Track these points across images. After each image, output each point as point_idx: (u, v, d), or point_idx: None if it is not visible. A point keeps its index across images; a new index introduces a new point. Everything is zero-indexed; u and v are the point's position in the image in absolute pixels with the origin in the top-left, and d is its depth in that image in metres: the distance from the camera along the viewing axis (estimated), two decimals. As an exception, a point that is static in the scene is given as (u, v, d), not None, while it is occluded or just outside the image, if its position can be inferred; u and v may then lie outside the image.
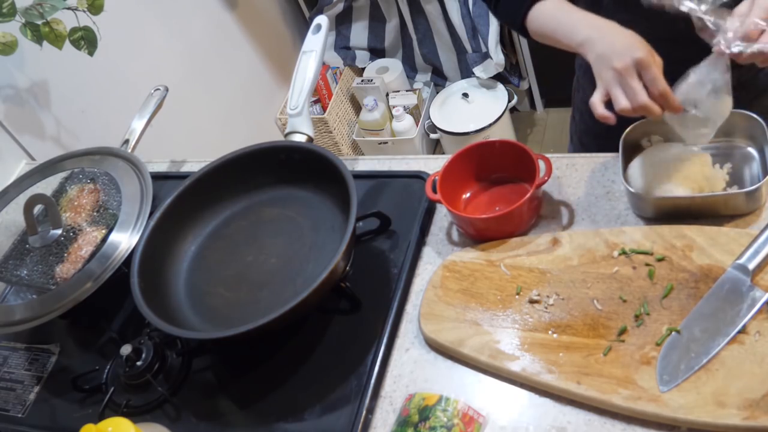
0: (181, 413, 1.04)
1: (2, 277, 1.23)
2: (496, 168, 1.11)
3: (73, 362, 1.18)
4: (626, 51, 0.89)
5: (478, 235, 1.06)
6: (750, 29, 0.84)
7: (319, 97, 2.67)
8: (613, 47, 0.90)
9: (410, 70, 2.74)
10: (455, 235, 1.11)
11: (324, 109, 2.64)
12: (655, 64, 0.89)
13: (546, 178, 1.03)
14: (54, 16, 1.38)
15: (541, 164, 1.04)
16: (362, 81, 2.62)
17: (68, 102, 1.72)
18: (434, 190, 1.07)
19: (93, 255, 1.15)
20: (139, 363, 1.06)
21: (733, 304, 0.86)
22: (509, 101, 2.50)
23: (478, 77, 2.51)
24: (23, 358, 1.21)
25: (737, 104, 0.96)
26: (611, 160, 1.11)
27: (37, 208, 1.24)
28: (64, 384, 1.12)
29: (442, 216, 1.14)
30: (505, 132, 2.50)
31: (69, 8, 1.40)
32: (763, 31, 0.85)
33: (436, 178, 1.08)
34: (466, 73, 2.59)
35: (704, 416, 0.79)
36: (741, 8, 0.87)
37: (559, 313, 0.94)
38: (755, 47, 0.85)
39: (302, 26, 2.74)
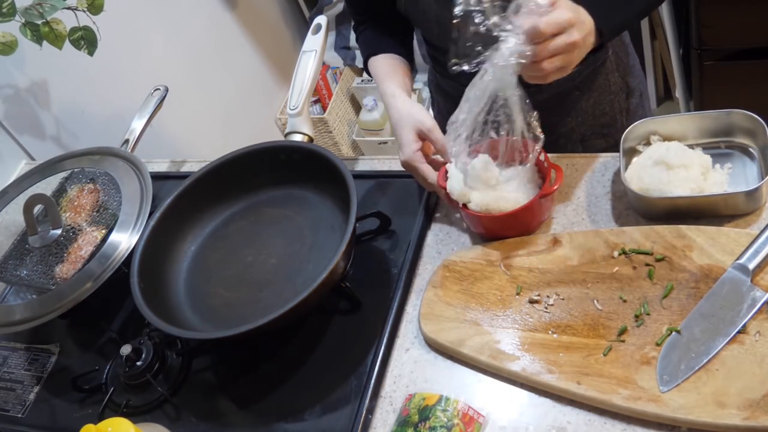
0: (181, 413, 1.03)
1: (2, 277, 1.23)
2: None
3: (73, 362, 1.18)
4: (400, 149, 1.07)
5: (487, 233, 1.06)
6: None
7: (319, 97, 2.67)
8: (396, 137, 1.09)
9: (410, 70, 2.74)
10: (455, 235, 1.11)
11: (324, 109, 2.64)
12: (421, 163, 1.05)
13: (555, 187, 1.01)
14: (54, 16, 1.38)
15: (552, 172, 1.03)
16: (362, 81, 2.62)
17: (68, 102, 1.72)
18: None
19: (93, 255, 1.15)
20: (139, 363, 1.06)
21: (733, 304, 0.86)
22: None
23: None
24: (23, 358, 1.21)
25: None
26: (611, 160, 1.11)
27: (37, 208, 1.25)
28: (64, 384, 1.12)
29: (442, 216, 1.14)
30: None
31: (69, 8, 1.40)
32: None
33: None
34: (465, 73, 2.59)
35: (704, 416, 0.79)
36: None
37: (559, 313, 0.94)
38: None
39: (302, 26, 2.74)
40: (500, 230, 1.05)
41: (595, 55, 1.16)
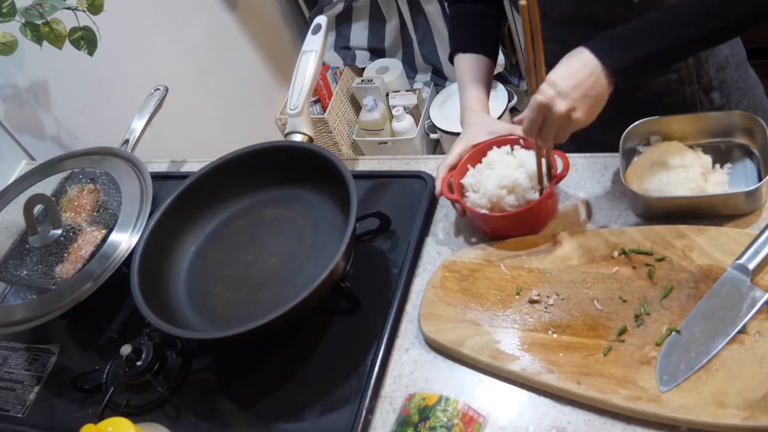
0: (181, 413, 1.04)
1: (2, 277, 1.23)
2: None
3: (73, 362, 1.17)
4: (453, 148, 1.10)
5: (495, 233, 1.06)
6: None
7: (319, 97, 2.67)
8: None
9: (410, 70, 2.74)
10: (455, 235, 1.11)
11: (324, 109, 2.64)
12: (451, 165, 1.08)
13: (565, 172, 1.02)
14: (54, 16, 1.38)
15: (558, 161, 1.03)
16: (362, 81, 2.62)
17: (68, 102, 1.72)
18: (450, 190, 1.07)
19: (93, 255, 1.15)
20: (139, 363, 1.06)
21: (733, 304, 0.86)
22: (509, 101, 2.50)
23: (478, 77, 2.51)
24: (23, 358, 1.21)
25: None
26: (611, 160, 1.11)
27: (37, 208, 1.25)
28: (64, 384, 1.12)
29: (442, 216, 1.14)
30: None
31: (69, 8, 1.40)
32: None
33: (451, 178, 1.07)
34: (466, 73, 2.59)
35: (704, 416, 0.79)
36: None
37: (559, 313, 0.94)
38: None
39: (302, 26, 2.74)
40: (508, 229, 1.04)
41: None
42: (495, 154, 1.07)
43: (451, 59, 1.23)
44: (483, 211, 1.03)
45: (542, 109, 0.90)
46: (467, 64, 1.19)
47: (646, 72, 0.94)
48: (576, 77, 0.90)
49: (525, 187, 1.02)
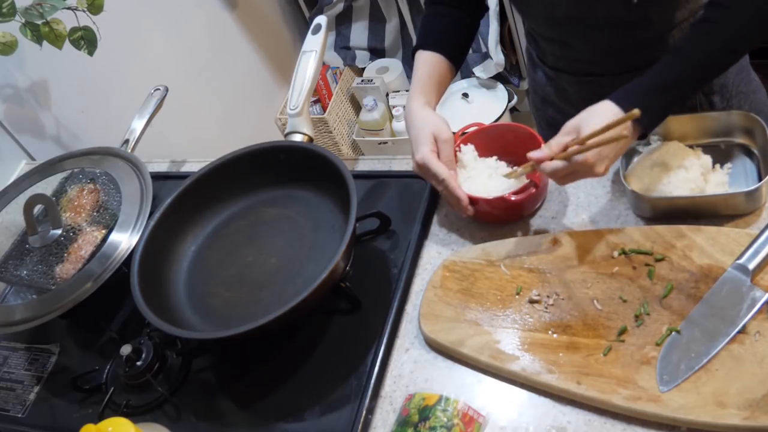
0: (181, 413, 1.04)
1: (2, 277, 1.23)
2: (502, 151, 1.12)
3: (73, 362, 1.18)
4: (414, 150, 1.06)
5: (481, 215, 1.08)
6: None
7: (319, 97, 2.67)
8: (412, 140, 1.08)
9: (410, 70, 2.74)
10: (455, 235, 1.11)
11: (324, 109, 2.64)
12: (435, 160, 1.03)
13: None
14: (54, 16, 1.38)
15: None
16: (362, 81, 2.62)
17: (68, 102, 1.72)
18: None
19: (93, 255, 1.15)
20: (139, 363, 1.06)
21: (733, 304, 0.86)
22: (509, 101, 2.50)
23: (478, 77, 2.51)
24: (23, 358, 1.21)
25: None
26: (611, 160, 1.11)
27: (37, 208, 1.25)
28: (64, 384, 1.12)
29: (442, 216, 1.14)
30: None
31: (69, 8, 1.40)
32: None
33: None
34: (466, 73, 2.60)
35: (704, 416, 0.79)
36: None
37: (559, 313, 0.94)
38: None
39: (302, 26, 2.74)
40: (493, 216, 1.07)
41: None
42: (465, 156, 1.10)
43: (412, 56, 1.19)
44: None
45: (584, 166, 0.91)
46: (425, 59, 1.16)
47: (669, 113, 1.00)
48: (617, 142, 0.92)
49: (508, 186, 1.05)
